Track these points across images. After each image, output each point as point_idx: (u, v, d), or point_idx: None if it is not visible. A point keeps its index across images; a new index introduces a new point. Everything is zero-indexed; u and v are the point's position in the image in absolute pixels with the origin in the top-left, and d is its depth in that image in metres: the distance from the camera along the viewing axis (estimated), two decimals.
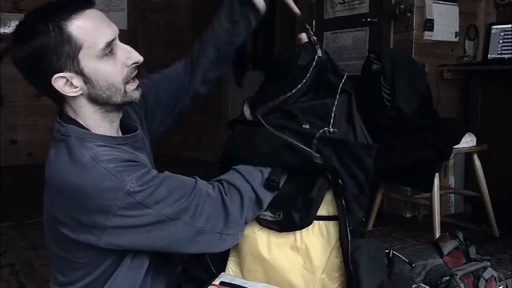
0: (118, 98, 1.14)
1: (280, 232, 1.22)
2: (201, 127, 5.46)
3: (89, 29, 1.07)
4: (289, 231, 1.22)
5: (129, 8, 5.04)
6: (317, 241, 1.22)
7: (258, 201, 1.17)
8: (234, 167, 1.21)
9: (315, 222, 1.22)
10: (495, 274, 1.49)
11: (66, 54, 1.07)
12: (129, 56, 1.13)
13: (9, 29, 4.51)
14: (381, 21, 3.26)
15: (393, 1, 3.16)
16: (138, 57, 1.14)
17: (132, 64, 1.14)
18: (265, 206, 1.19)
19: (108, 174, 1.05)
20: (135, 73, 1.16)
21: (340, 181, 1.18)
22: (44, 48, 1.07)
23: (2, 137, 4.53)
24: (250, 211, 1.17)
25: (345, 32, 3.52)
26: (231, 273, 1.26)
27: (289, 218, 1.20)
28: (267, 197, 1.18)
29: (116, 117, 1.19)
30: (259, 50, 5.23)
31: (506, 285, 1.55)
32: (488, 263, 1.51)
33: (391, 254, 1.37)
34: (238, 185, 1.16)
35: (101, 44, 1.08)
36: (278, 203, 1.21)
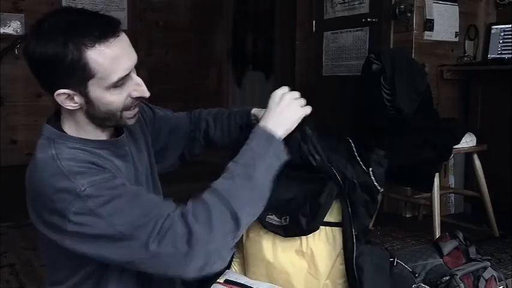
0: (112, 122, 1.13)
1: (286, 237, 1.21)
2: None
3: (106, 61, 1.04)
4: (295, 236, 1.21)
5: (129, 8, 5.04)
6: (323, 247, 1.22)
7: (235, 218, 1.06)
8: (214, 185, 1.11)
9: (322, 228, 1.21)
10: (495, 274, 1.49)
11: (76, 77, 1.05)
12: (137, 89, 1.11)
13: (9, 29, 4.51)
14: (381, 21, 3.26)
15: (393, 1, 3.16)
16: (145, 94, 1.12)
17: (136, 98, 1.12)
18: (241, 224, 1.08)
19: (61, 174, 1.02)
20: (136, 103, 1.14)
21: (344, 184, 1.19)
22: (55, 61, 1.03)
23: (2, 137, 4.53)
24: (224, 228, 1.05)
25: (345, 32, 3.52)
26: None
27: (296, 222, 1.18)
28: (244, 217, 1.08)
29: (108, 127, 1.17)
30: (259, 50, 5.23)
31: (506, 285, 1.55)
32: (488, 263, 1.51)
33: (395, 262, 1.36)
34: (211, 202, 1.06)
35: (114, 78, 1.06)
36: (285, 207, 1.20)
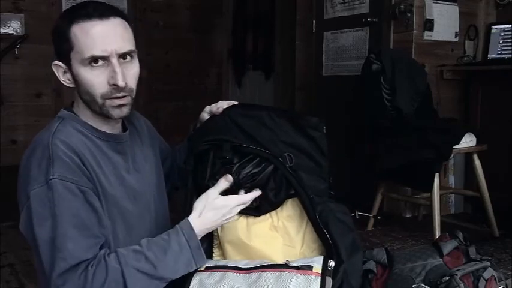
0: (96, 108, 1.20)
1: (259, 216, 1.29)
2: None
3: (83, 37, 1.15)
4: (267, 212, 1.29)
5: (129, 8, 5.03)
6: (292, 216, 1.30)
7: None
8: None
9: (288, 200, 1.30)
10: (495, 274, 1.49)
11: (62, 48, 1.19)
12: (111, 76, 1.17)
13: (9, 29, 4.51)
14: (381, 21, 3.26)
15: (393, 1, 3.16)
16: (119, 82, 1.17)
17: (113, 85, 1.18)
18: None
19: (47, 154, 1.11)
20: (119, 95, 1.19)
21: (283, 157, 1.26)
22: (54, 33, 1.20)
23: (2, 137, 4.52)
24: None
25: (345, 32, 3.52)
26: None
27: (265, 198, 1.27)
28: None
29: (107, 120, 1.23)
30: (259, 50, 5.23)
31: (506, 285, 1.54)
32: (488, 263, 1.50)
33: (356, 215, 1.44)
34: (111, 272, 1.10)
35: (86, 54, 1.16)
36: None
